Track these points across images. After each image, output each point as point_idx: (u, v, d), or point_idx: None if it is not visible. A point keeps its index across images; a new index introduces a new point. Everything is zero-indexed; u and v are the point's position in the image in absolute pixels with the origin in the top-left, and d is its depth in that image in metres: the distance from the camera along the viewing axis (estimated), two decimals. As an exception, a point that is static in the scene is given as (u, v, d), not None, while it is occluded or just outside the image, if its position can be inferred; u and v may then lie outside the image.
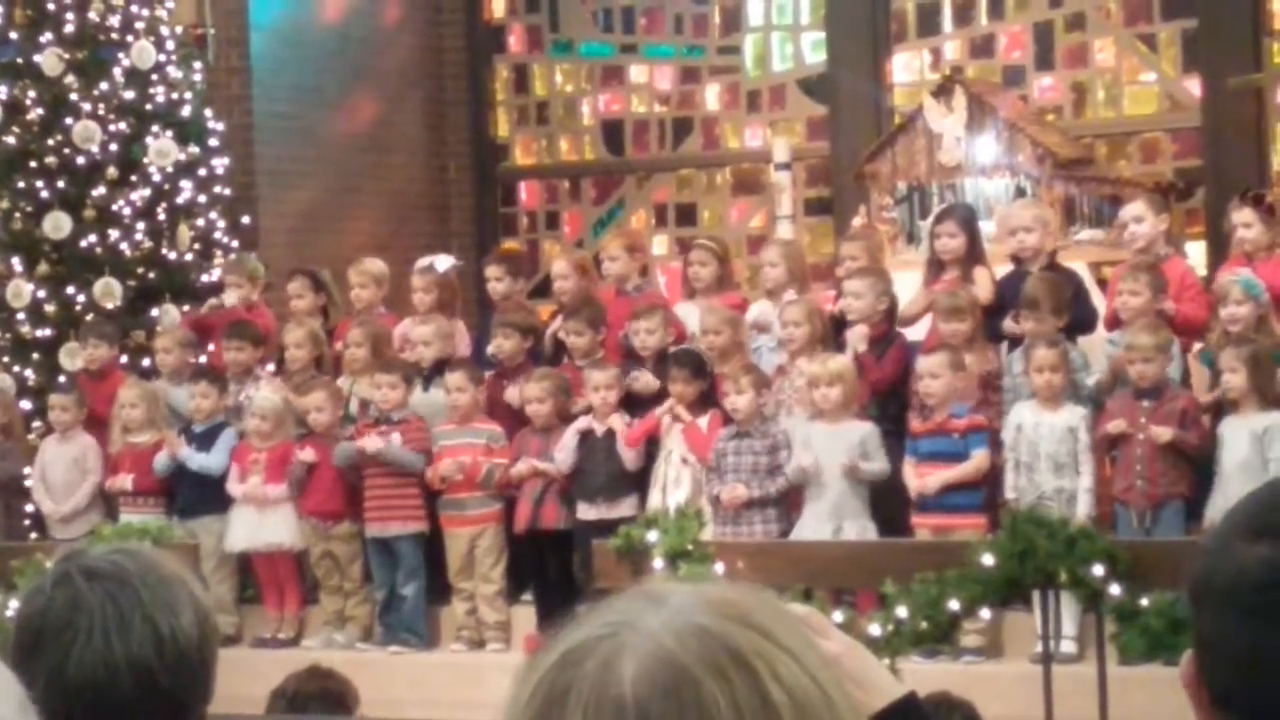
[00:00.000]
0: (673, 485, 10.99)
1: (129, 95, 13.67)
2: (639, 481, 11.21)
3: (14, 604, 8.45)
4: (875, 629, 8.60)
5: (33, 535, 12.36)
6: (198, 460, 12.03)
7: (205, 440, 12.11)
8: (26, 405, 13.12)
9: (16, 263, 13.55)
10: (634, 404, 11.42)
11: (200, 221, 13.89)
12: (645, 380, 11.43)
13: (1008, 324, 10.88)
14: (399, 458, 11.57)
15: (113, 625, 2.68)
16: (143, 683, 2.68)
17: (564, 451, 11.27)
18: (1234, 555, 1.94)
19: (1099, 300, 11.23)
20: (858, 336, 11.03)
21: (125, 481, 12.12)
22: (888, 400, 10.99)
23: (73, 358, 13.13)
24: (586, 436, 11.29)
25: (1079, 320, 10.79)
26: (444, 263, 12.81)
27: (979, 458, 10.40)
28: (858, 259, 11.72)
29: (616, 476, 11.19)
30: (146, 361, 13.17)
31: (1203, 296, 11.00)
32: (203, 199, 13.93)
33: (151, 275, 13.64)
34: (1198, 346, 10.74)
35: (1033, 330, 10.51)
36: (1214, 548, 1.98)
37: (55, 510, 12.30)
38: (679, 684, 1.55)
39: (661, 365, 11.49)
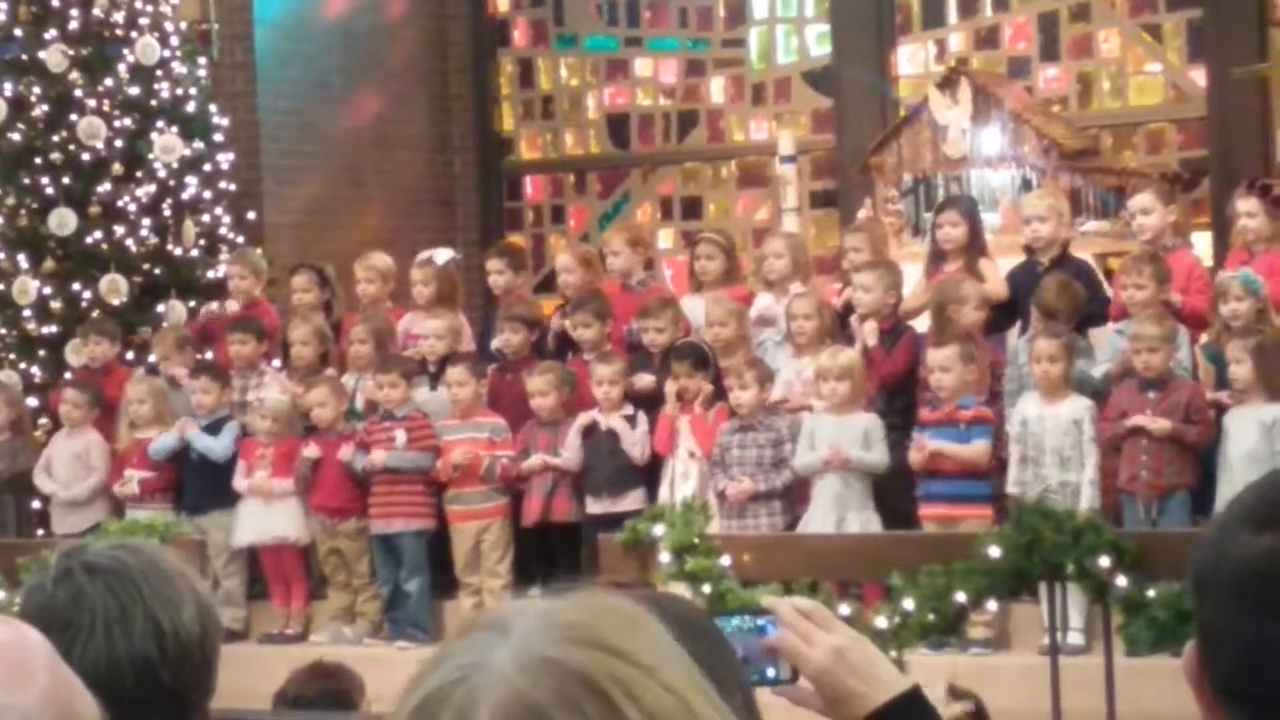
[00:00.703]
0: (681, 479, 10.99)
1: (134, 91, 13.67)
2: (645, 475, 11.21)
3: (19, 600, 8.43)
4: (882, 621, 8.59)
5: (39, 532, 12.36)
6: (203, 441, 12.03)
7: (209, 434, 12.12)
8: (33, 402, 13.12)
9: (22, 259, 13.54)
10: (639, 403, 11.41)
11: (205, 217, 13.89)
12: (645, 381, 11.40)
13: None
14: (406, 465, 11.57)
15: (114, 621, 2.68)
16: (145, 678, 2.68)
17: (570, 450, 11.27)
18: (1237, 545, 1.94)
19: (1107, 289, 11.23)
20: (869, 330, 11.03)
21: (132, 484, 12.12)
22: (895, 394, 10.99)
23: (78, 354, 13.14)
24: (591, 431, 11.29)
25: (1091, 312, 10.79)
26: (443, 255, 12.81)
27: (979, 446, 10.39)
28: (861, 251, 11.72)
29: (621, 470, 11.19)
30: (152, 358, 13.17)
31: (1209, 289, 10.99)
32: (208, 194, 13.93)
33: (157, 271, 13.63)
34: (1204, 339, 10.74)
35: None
36: (1217, 538, 1.98)
37: (57, 492, 12.29)
38: None
39: (667, 361, 11.50)
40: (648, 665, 1.56)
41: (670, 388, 11.14)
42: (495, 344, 12.20)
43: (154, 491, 12.17)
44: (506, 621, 1.59)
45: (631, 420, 11.24)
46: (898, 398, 10.98)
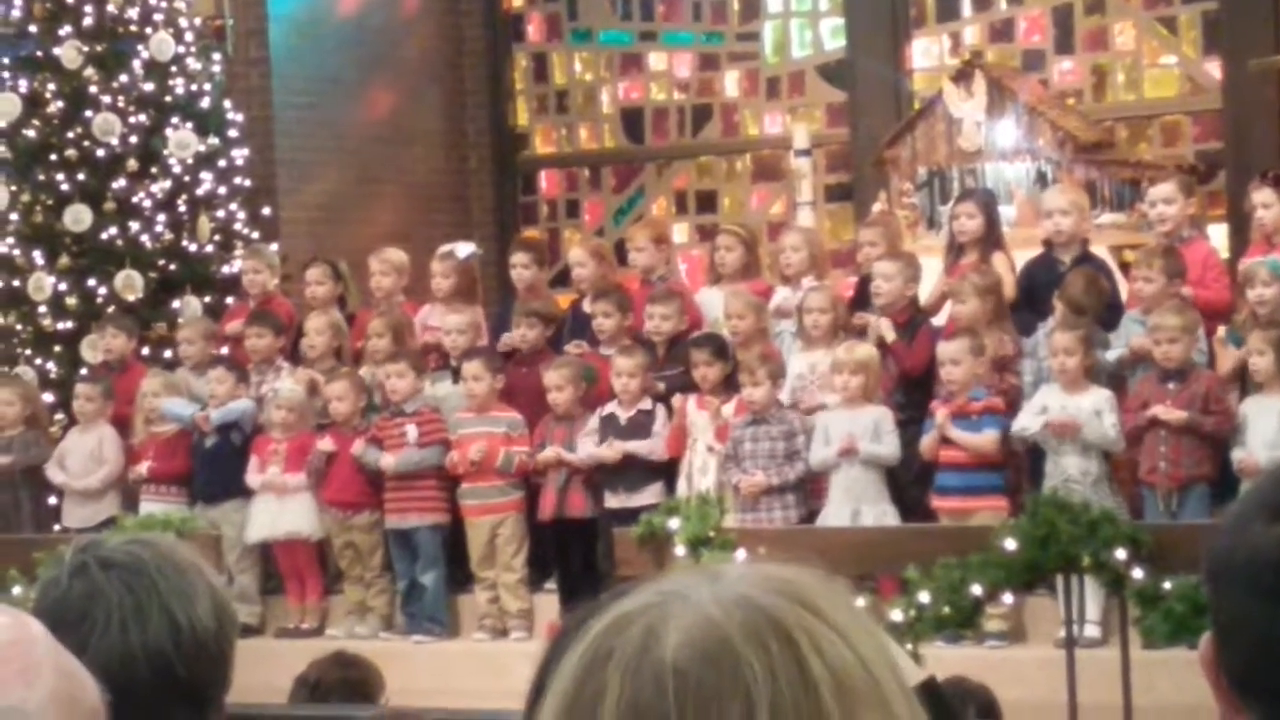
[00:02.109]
0: (699, 473, 10.99)
1: (148, 87, 13.69)
2: (663, 469, 11.21)
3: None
4: (898, 614, 8.58)
5: (56, 527, 12.38)
6: (221, 413, 12.01)
7: (222, 426, 12.12)
8: (49, 398, 13.14)
9: (38, 255, 13.57)
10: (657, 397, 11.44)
11: (220, 213, 13.92)
12: (657, 389, 11.39)
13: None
14: (415, 465, 11.57)
15: (130, 615, 2.68)
16: (160, 673, 2.68)
17: (588, 443, 11.26)
18: (1252, 536, 1.93)
19: (1122, 286, 11.22)
20: (885, 327, 11.02)
21: (142, 467, 12.13)
22: (913, 389, 10.97)
23: (94, 350, 13.16)
24: (610, 422, 11.29)
25: (1108, 316, 10.77)
26: (464, 249, 12.81)
27: (989, 435, 10.38)
28: (876, 245, 11.73)
29: (638, 464, 11.18)
30: (168, 353, 13.19)
31: (1225, 279, 10.99)
32: (223, 190, 13.95)
33: (172, 267, 13.67)
34: (1222, 329, 10.72)
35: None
36: (1232, 528, 1.97)
37: (69, 483, 12.29)
38: (719, 652, 1.56)
39: (673, 351, 11.51)
40: (841, 628, 1.60)
41: (698, 376, 11.10)
42: (507, 339, 12.16)
43: (164, 479, 12.15)
44: (720, 570, 1.65)
45: (650, 414, 11.23)
46: (915, 391, 10.96)
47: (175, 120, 13.73)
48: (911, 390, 10.98)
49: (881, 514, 10.50)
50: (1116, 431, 10.16)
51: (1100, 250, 11.67)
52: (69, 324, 13.45)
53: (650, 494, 11.05)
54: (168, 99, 13.77)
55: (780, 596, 1.60)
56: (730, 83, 16.16)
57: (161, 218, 13.61)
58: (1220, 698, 1.96)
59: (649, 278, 12.30)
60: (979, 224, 11.43)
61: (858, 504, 10.49)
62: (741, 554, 9.22)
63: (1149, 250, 10.78)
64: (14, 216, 13.71)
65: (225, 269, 13.76)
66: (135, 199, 13.54)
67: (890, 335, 10.99)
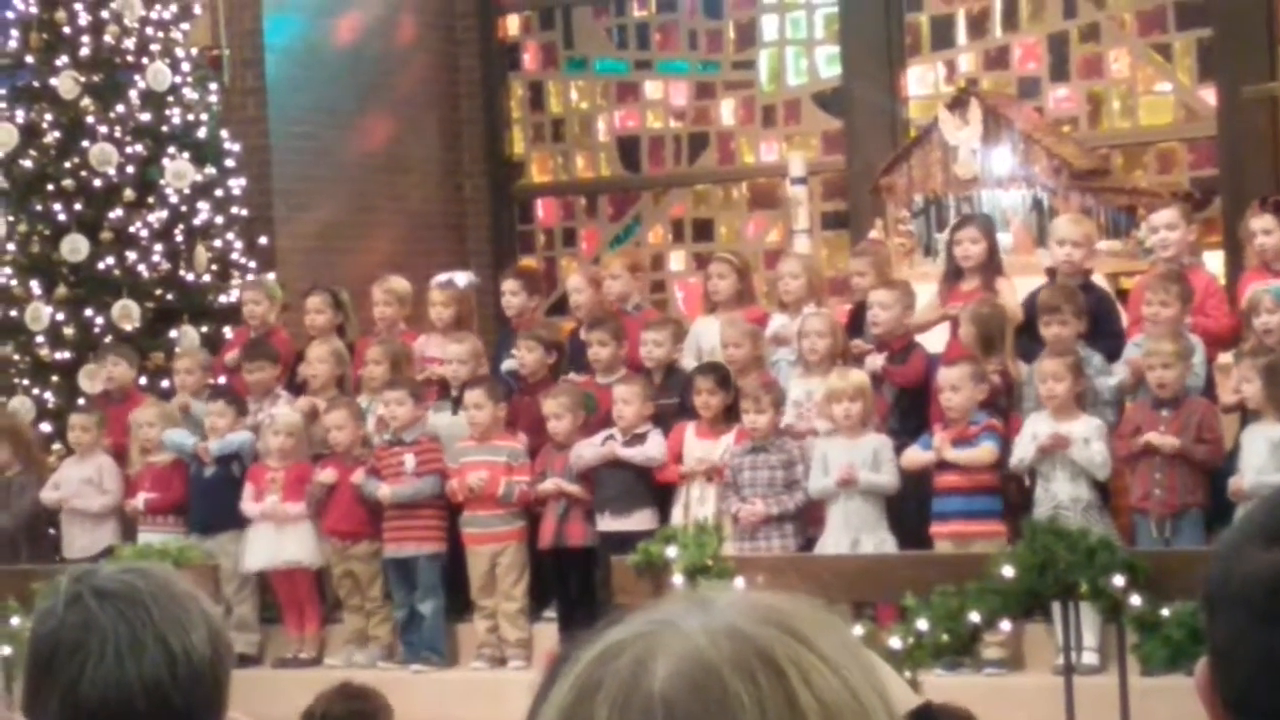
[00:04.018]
0: (697, 503, 10.98)
1: (145, 117, 13.71)
2: (655, 494, 11.20)
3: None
4: (896, 642, 8.59)
5: (56, 559, 12.35)
6: (220, 444, 12.02)
7: (221, 459, 12.12)
8: (46, 428, 13.14)
9: (35, 285, 13.58)
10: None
11: (217, 242, 13.93)
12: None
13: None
14: (411, 496, 11.56)
15: (125, 645, 2.68)
16: (156, 702, 2.68)
17: (581, 459, 11.25)
18: (1247, 560, 1.93)
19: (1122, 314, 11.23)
20: (875, 361, 11.02)
21: (139, 501, 12.13)
22: (909, 413, 10.97)
23: (92, 380, 13.16)
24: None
25: (1107, 347, 10.76)
26: (463, 278, 12.83)
27: (986, 447, 10.37)
28: (865, 275, 11.75)
29: (631, 488, 11.16)
30: (165, 383, 13.19)
31: (1225, 306, 10.99)
32: (220, 220, 13.97)
33: (169, 297, 13.67)
34: (1223, 357, 10.72)
35: (1057, 335, 10.49)
36: (1227, 553, 1.97)
37: (64, 500, 12.25)
38: (708, 683, 1.55)
39: (668, 378, 11.52)
40: (830, 659, 1.59)
41: (699, 404, 11.10)
42: (508, 365, 12.20)
43: (161, 510, 12.15)
44: (709, 598, 1.64)
45: (642, 438, 11.20)
46: (910, 417, 10.96)
47: (172, 150, 13.75)
48: (907, 415, 10.97)
49: (881, 542, 10.48)
50: (1103, 458, 10.15)
51: (1098, 279, 11.67)
52: (66, 354, 13.44)
53: (642, 519, 11.03)
54: (164, 129, 13.78)
55: (769, 626, 1.59)
56: (726, 111, 16.19)
57: (158, 248, 13.62)
58: (1216, 723, 1.96)
59: (623, 306, 12.34)
60: (982, 249, 11.43)
61: (857, 534, 10.48)
62: (740, 582, 9.21)
63: (1163, 276, 10.73)
64: (11, 246, 13.73)
65: (222, 299, 13.76)
66: (132, 229, 13.56)
67: (879, 363, 11.00)
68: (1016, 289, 11.46)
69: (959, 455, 10.37)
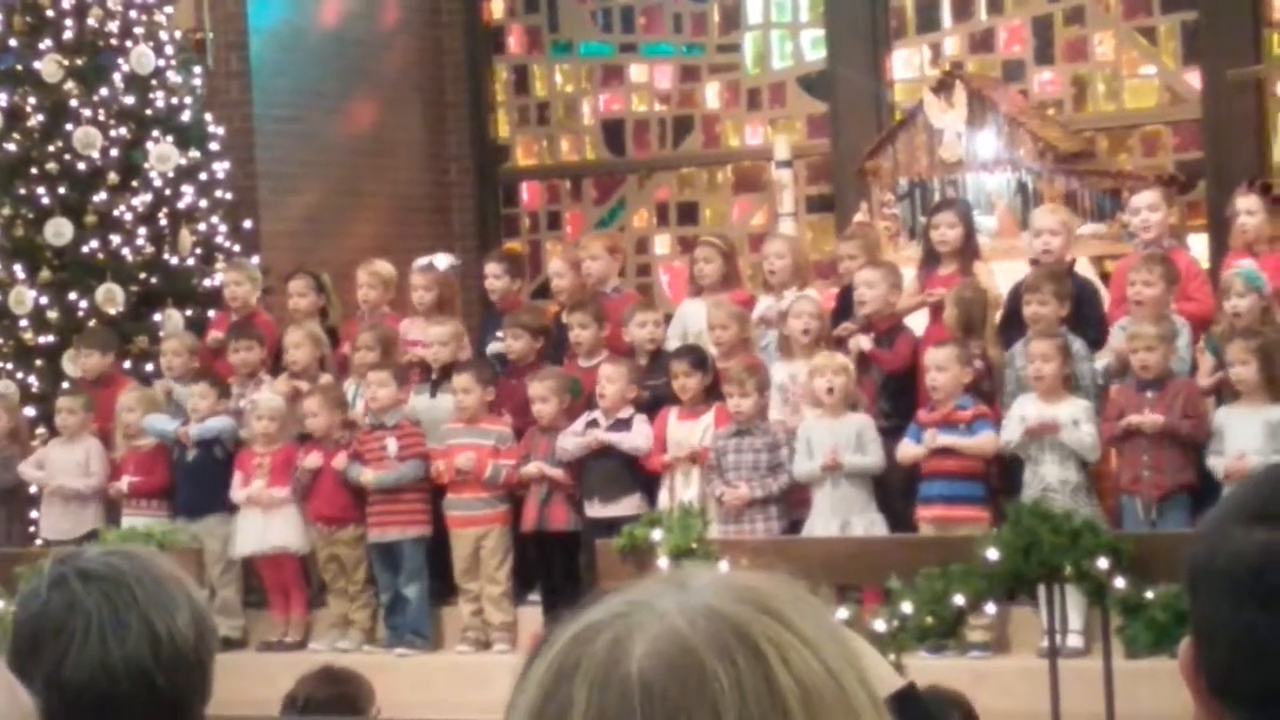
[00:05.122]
0: (681, 486, 10.98)
1: (129, 101, 13.67)
2: (642, 480, 11.20)
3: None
4: (880, 625, 8.59)
5: (38, 542, 12.34)
6: (200, 429, 12.00)
7: (202, 443, 12.10)
8: (30, 412, 13.11)
9: (18, 269, 13.54)
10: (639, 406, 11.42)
11: (202, 226, 13.89)
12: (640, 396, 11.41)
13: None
14: (394, 482, 11.55)
15: (109, 627, 2.68)
16: (140, 683, 2.67)
17: (565, 451, 11.24)
18: (1231, 540, 1.93)
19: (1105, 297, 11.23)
20: (862, 341, 11.01)
21: (123, 484, 12.12)
22: (898, 396, 10.96)
23: (75, 364, 13.13)
24: (590, 429, 11.26)
25: (1092, 334, 10.76)
26: (443, 261, 12.82)
27: (986, 435, 10.38)
28: (856, 258, 11.73)
29: (618, 474, 11.16)
30: (150, 367, 13.17)
31: (1207, 288, 10.99)
32: (204, 204, 13.93)
33: (153, 280, 13.63)
34: (1201, 339, 10.73)
35: (1036, 314, 10.50)
36: (1211, 533, 1.97)
37: (46, 479, 12.24)
38: (685, 664, 1.55)
39: (655, 361, 11.51)
40: (808, 638, 1.59)
41: (677, 387, 11.09)
42: (494, 349, 12.18)
43: (145, 493, 12.14)
44: (686, 578, 1.63)
45: (627, 423, 11.20)
46: (900, 399, 10.95)
47: (156, 133, 13.71)
48: (896, 398, 10.97)
49: (871, 523, 10.49)
50: (1093, 439, 10.17)
51: (1083, 266, 11.67)
52: (50, 338, 13.41)
53: (628, 504, 11.03)
54: (148, 112, 13.74)
55: (747, 606, 1.59)
56: (711, 94, 16.17)
57: (142, 231, 13.58)
58: (1200, 702, 1.96)
59: (601, 288, 12.33)
60: (959, 234, 11.44)
61: (847, 515, 10.48)
62: (724, 565, 9.22)
63: (1148, 257, 10.74)
64: (-6, 230, 13.70)
65: (206, 282, 13.73)
66: (116, 212, 13.52)
67: (866, 345, 10.99)
68: (994, 274, 11.47)
69: (965, 444, 10.35)
